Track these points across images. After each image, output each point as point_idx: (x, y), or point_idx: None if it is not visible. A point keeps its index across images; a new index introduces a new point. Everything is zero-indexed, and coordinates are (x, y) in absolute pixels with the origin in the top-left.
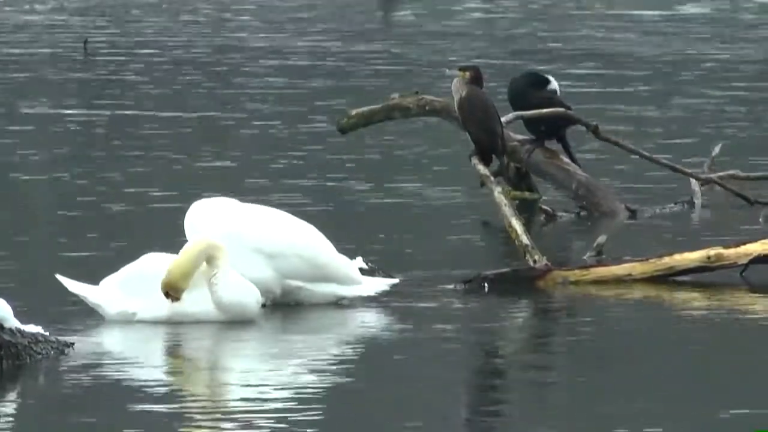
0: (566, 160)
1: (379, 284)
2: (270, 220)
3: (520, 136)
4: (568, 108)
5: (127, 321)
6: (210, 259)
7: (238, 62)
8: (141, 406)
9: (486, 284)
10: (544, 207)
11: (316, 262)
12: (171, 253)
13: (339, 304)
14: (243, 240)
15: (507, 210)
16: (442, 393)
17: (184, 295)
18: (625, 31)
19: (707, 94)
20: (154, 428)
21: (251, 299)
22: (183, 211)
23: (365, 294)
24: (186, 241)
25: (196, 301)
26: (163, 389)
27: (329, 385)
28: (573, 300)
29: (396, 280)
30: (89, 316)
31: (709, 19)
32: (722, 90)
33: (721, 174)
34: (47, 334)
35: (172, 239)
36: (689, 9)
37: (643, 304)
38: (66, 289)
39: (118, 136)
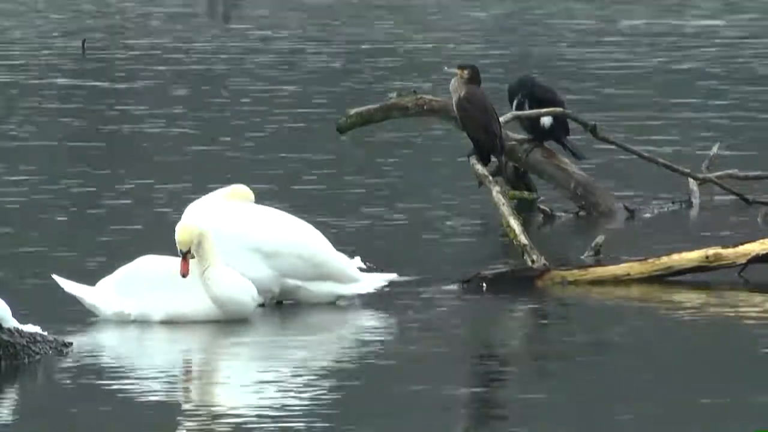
0: (565, 159)
1: (378, 280)
2: (267, 219)
3: (518, 136)
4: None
5: (124, 321)
6: (198, 244)
7: (236, 61)
8: (139, 405)
9: (484, 284)
10: (543, 207)
11: (314, 261)
12: (167, 255)
13: (337, 304)
14: (241, 240)
15: (505, 210)
16: (440, 392)
17: (181, 296)
18: (623, 37)
19: (706, 94)
20: (151, 427)
21: (246, 297)
22: (181, 213)
23: (364, 291)
24: None
25: (191, 302)
26: (160, 389)
27: (327, 385)
28: (571, 300)
29: (394, 275)
30: (87, 316)
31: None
32: (721, 89)
33: (719, 174)
34: (45, 333)
35: (170, 241)
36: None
37: (642, 304)
38: (63, 289)
39: (117, 136)
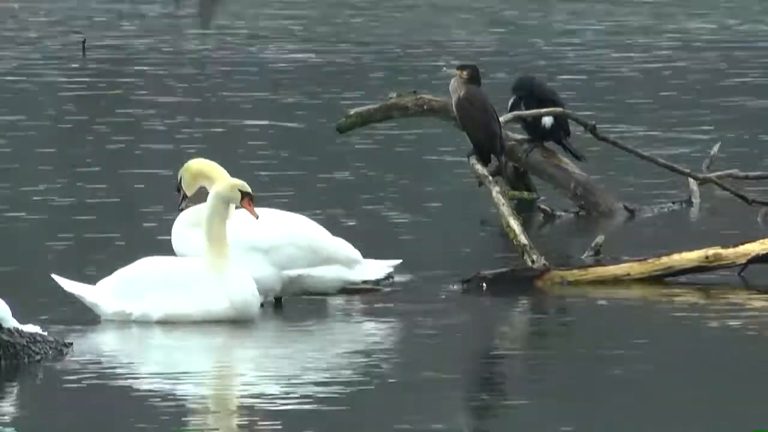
0: (565, 159)
1: (382, 266)
2: (260, 218)
3: (518, 136)
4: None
5: (124, 321)
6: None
7: (235, 62)
8: (139, 405)
9: (484, 284)
10: (543, 206)
11: (312, 247)
12: (167, 256)
13: (337, 305)
14: (238, 242)
15: (505, 210)
16: (440, 392)
17: (182, 297)
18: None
19: (706, 94)
20: (151, 427)
21: (255, 298)
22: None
23: (370, 277)
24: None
25: (192, 302)
26: (160, 389)
27: (326, 386)
28: (571, 300)
29: (399, 261)
30: (87, 316)
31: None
32: (721, 89)
33: (719, 173)
34: (45, 334)
35: (169, 243)
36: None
37: (641, 304)
38: (63, 289)
39: (117, 137)
